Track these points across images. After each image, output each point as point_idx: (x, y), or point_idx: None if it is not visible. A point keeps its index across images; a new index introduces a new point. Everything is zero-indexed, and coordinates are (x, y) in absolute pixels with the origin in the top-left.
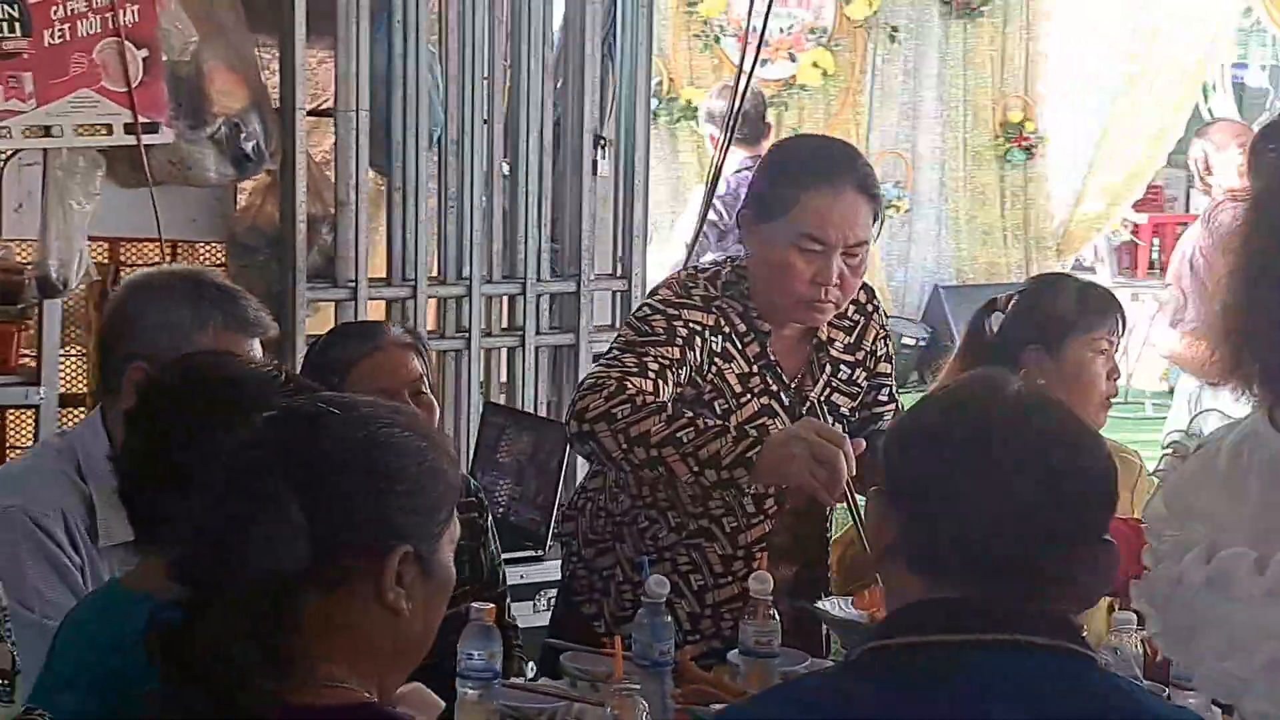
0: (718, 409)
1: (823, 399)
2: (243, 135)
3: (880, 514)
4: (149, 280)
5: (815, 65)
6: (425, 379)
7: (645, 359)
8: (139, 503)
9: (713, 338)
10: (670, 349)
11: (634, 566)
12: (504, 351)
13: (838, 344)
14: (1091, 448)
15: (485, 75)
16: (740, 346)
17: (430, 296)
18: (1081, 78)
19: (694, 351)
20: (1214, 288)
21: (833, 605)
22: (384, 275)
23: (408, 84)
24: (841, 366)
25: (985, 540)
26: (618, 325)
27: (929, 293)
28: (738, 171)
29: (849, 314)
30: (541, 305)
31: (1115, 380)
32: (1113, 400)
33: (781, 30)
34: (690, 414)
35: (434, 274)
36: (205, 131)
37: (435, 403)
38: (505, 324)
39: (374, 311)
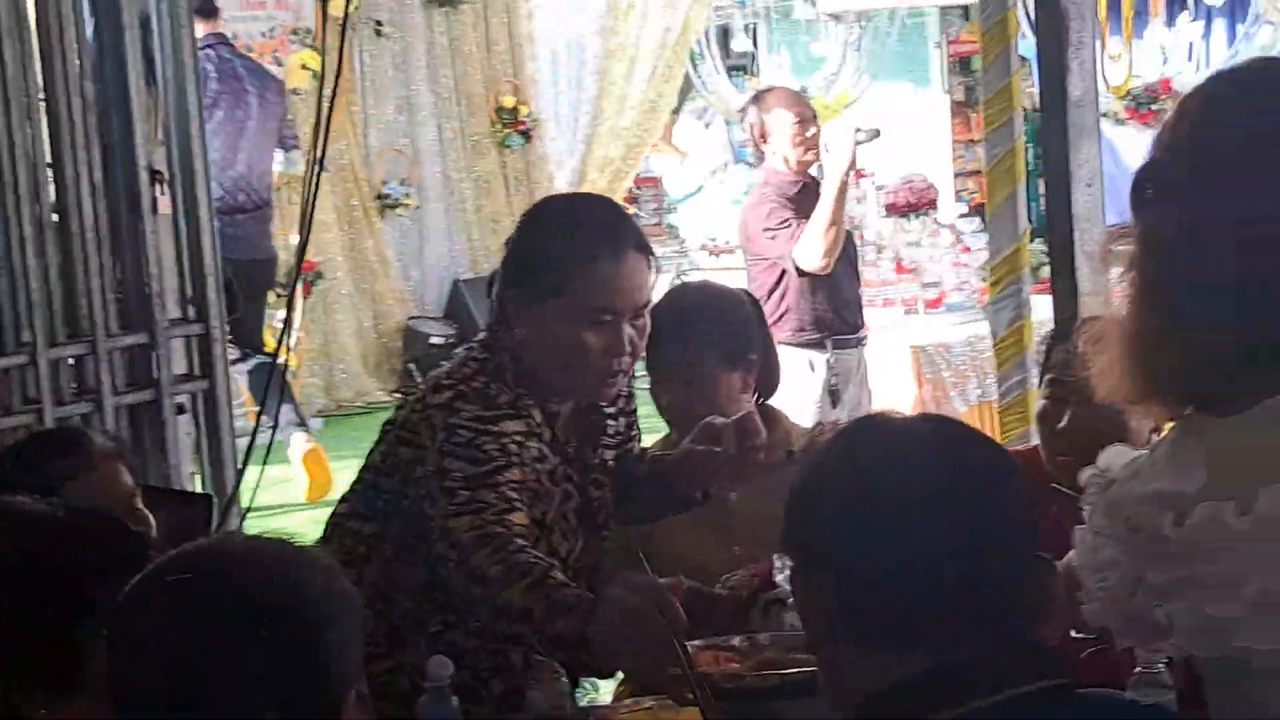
0: (535, 514)
1: (597, 461)
2: None
3: (805, 588)
4: None
5: (304, 67)
6: (137, 491)
7: (501, 489)
8: None
9: (529, 443)
10: (511, 472)
11: (423, 673)
12: (78, 420)
13: (604, 402)
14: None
15: (22, 116)
16: (546, 439)
17: None
18: (568, 57)
19: (525, 467)
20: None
21: None
22: None
23: None
24: (608, 422)
25: (936, 595)
26: (197, 373)
27: (449, 288)
28: (203, 49)
29: None
30: (115, 361)
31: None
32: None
33: (263, 34)
34: (551, 581)
35: None
36: None
37: (149, 514)
38: (76, 387)
39: None
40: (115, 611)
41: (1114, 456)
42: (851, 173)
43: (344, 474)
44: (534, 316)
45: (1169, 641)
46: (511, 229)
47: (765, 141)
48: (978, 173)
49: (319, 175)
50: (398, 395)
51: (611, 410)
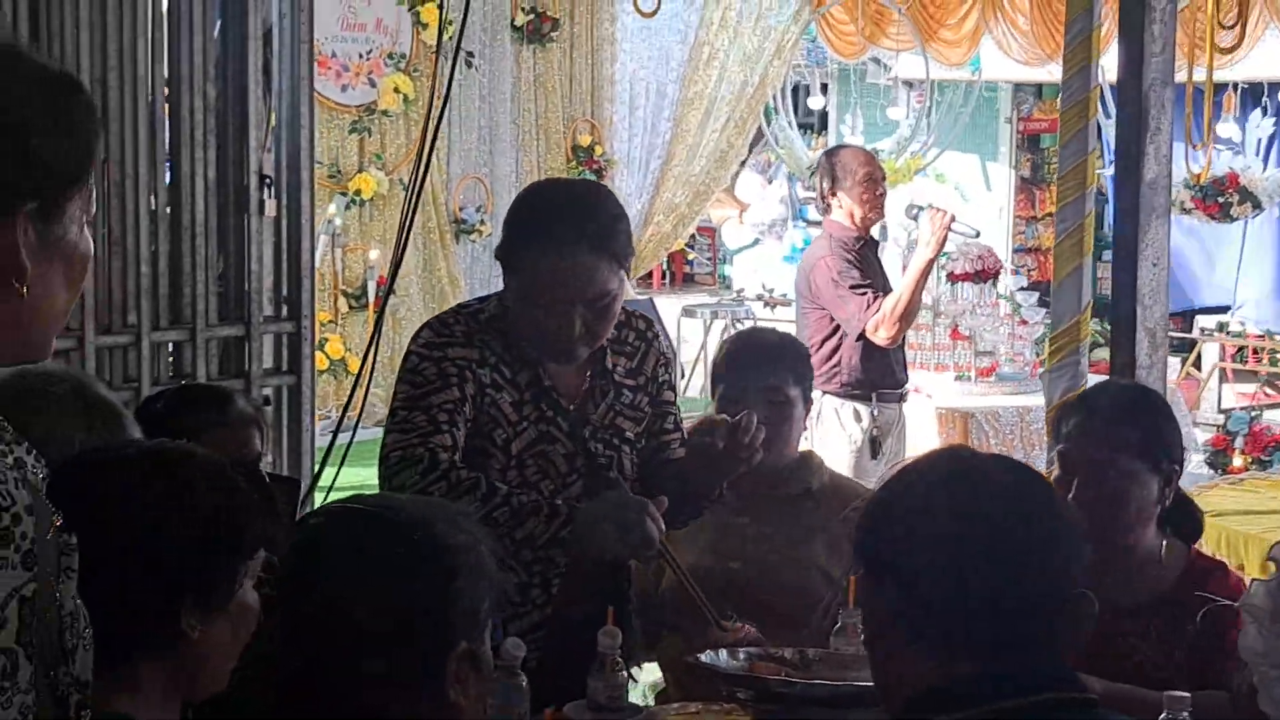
0: (497, 439)
1: (606, 422)
2: None
3: (870, 593)
4: (35, 387)
5: (396, 90)
6: (263, 458)
7: (433, 412)
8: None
9: (480, 370)
10: (448, 392)
11: None
12: None
13: (620, 369)
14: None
15: (148, 112)
16: (509, 375)
17: (96, 346)
18: (645, 102)
19: (468, 385)
20: None
21: (711, 659)
22: None
23: None
24: (624, 391)
25: (989, 610)
26: (284, 369)
27: None
28: None
29: (629, 340)
30: (210, 350)
31: None
32: None
33: (361, 55)
34: (503, 489)
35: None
36: None
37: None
38: (172, 372)
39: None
40: (294, 544)
41: None
42: (935, 258)
43: None
44: (509, 282)
45: None
46: None
47: (833, 195)
48: (1037, 249)
49: (418, 198)
50: None
51: (630, 383)
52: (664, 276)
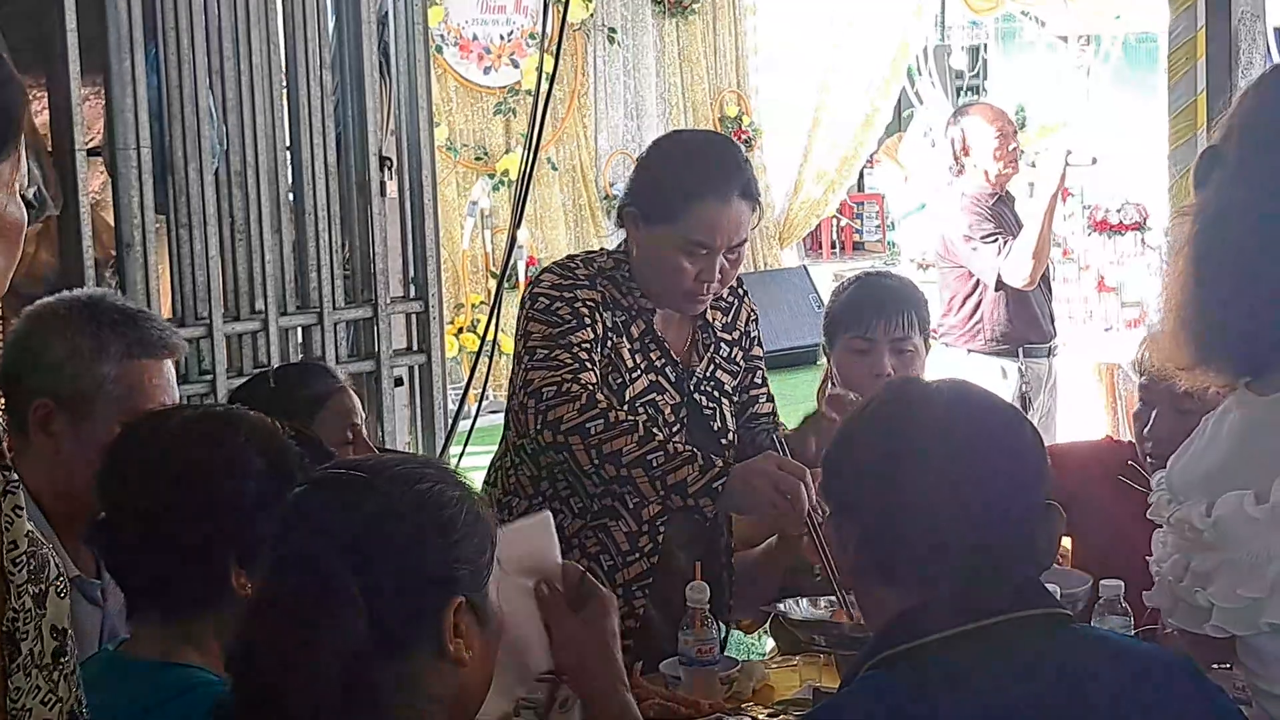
0: (613, 383)
1: (708, 374)
2: (25, 181)
3: (838, 533)
4: (46, 311)
5: (539, 70)
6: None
7: (574, 350)
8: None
9: (604, 313)
10: (583, 331)
11: None
12: None
13: (718, 323)
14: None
15: (266, 101)
16: (625, 324)
17: (225, 334)
18: (789, 69)
19: (597, 326)
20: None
21: (790, 608)
22: (173, 315)
23: (185, 116)
24: (723, 345)
25: (949, 537)
26: (414, 348)
27: None
28: None
29: (724, 296)
30: (339, 334)
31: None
32: None
33: (502, 37)
34: (659, 435)
35: (224, 309)
36: None
37: (371, 445)
38: (302, 356)
39: None
40: (282, 513)
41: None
42: (1060, 193)
43: None
44: (643, 234)
45: (1210, 624)
46: None
47: (966, 154)
48: None
49: (531, 171)
50: None
51: (727, 337)
52: (833, 245)
